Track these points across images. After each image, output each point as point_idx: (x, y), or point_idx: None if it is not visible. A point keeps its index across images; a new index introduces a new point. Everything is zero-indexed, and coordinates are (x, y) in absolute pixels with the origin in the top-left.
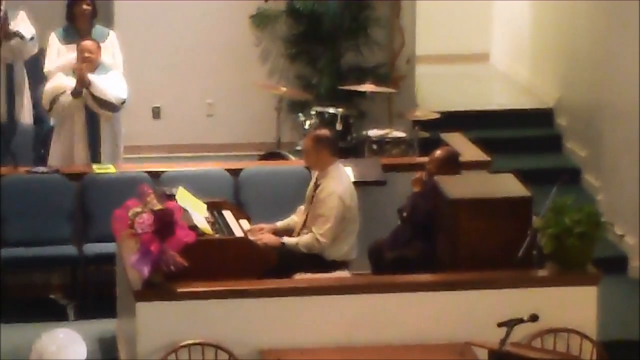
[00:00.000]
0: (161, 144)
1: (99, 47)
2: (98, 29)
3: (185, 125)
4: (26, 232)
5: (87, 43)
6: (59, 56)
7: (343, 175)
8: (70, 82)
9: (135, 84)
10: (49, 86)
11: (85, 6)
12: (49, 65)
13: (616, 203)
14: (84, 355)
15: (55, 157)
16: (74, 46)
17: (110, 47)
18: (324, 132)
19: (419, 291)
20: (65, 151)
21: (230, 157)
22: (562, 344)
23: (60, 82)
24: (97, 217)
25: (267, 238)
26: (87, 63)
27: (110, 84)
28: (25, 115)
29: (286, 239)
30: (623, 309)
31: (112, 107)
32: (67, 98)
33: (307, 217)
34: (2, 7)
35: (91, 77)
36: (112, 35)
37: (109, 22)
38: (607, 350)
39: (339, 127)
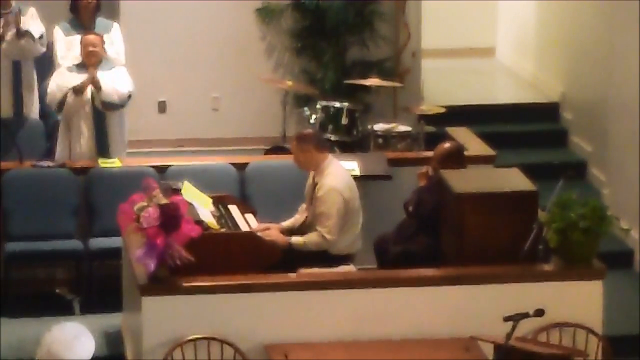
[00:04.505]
0: (167, 138)
1: (102, 41)
2: (101, 21)
3: (190, 119)
4: (31, 227)
5: (90, 37)
6: (67, 48)
7: (339, 170)
8: (73, 80)
9: (140, 78)
10: (54, 87)
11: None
12: (60, 57)
13: (622, 197)
14: (92, 350)
15: (62, 151)
16: (77, 37)
17: (113, 39)
18: (305, 130)
19: (424, 286)
20: (73, 145)
21: (236, 152)
22: (568, 338)
23: (63, 81)
24: (102, 212)
25: (275, 236)
26: (94, 58)
27: (115, 83)
28: (34, 111)
29: (294, 239)
30: (629, 303)
31: (115, 107)
32: (72, 97)
33: (307, 216)
34: (14, 5)
35: (99, 78)
36: (116, 28)
37: (114, 16)
38: (612, 345)
39: (344, 121)
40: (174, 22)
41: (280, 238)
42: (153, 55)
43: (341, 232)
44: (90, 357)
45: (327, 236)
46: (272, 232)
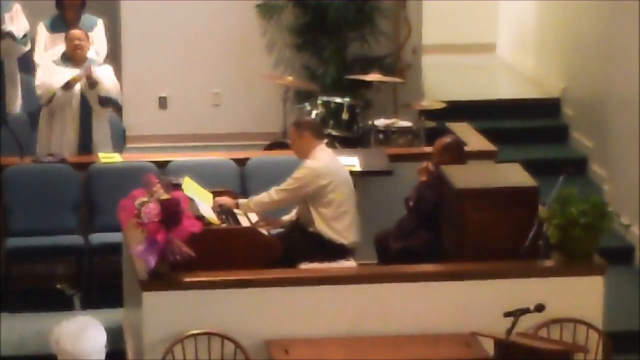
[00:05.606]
0: (167, 133)
1: (87, 36)
2: (87, 17)
3: (191, 115)
4: (31, 222)
5: (76, 32)
6: (47, 46)
7: (326, 155)
8: (64, 75)
9: (141, 74)
10: (43, 80)
11: None
12: (38, 55)
13: (622, 193)
14: (103, 342)
15: (43, 145)
16: (61, 35)
17: (96, 37)
18: (304, 117)
19: (425, 281)
20: (55, 139)
21: (236, 147)
22: (569, 334)
23: (55, 77)
24: (102, 207)
25: (225, 200)
26: (80, 51)
27: (110, 81)
28: (17, 106)
29: (240, 200)
30: (629, 299)
31: (113, 104)
32: (61, 92)
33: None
34: None
35: (97, 75)
36: (100, 25)
37: (115, 11)
38: (612, 341)
39: (345, 116)
40: (175, 18)
41: (229, 201)
42: (154, 51)
43: (332, 220)
44: (102, 348)
45: (272, 193)
46: (221, 197)
